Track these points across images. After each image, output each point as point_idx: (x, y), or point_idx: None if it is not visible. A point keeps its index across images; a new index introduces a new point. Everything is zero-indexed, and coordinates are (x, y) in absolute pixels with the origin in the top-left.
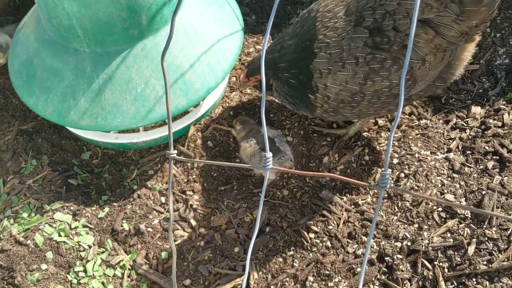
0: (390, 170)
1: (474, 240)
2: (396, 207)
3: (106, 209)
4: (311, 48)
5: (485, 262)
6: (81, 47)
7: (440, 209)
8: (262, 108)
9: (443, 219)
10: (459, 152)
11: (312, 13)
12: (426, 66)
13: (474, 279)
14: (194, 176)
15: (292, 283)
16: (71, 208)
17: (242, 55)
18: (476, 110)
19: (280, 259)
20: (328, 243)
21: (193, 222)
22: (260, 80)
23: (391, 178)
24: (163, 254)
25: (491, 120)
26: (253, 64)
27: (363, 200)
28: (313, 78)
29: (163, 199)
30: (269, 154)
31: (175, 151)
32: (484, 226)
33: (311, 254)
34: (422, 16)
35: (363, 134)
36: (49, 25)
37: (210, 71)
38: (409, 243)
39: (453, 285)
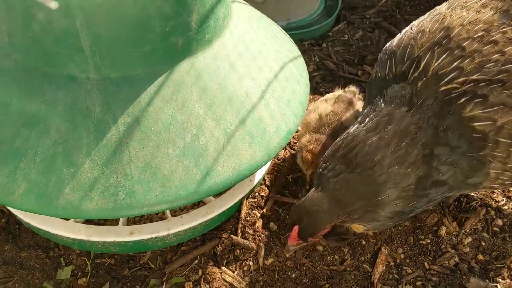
0: None
1: None
2: None
3: None
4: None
5: None
6: (83, 73)
7: None
8: None
9: None
10: None
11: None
12: None
13: None
14: (261, 283)
15: None
16: None
17: None
18: None
19: None
20: None
21: None
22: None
23: None
24: None
25: None
26: (305, 213)
27: None
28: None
29: None
30: None
31: None
32: None
33: None
34: None
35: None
36: (20, 40)
37: (286, 105)
38: None
39: None
